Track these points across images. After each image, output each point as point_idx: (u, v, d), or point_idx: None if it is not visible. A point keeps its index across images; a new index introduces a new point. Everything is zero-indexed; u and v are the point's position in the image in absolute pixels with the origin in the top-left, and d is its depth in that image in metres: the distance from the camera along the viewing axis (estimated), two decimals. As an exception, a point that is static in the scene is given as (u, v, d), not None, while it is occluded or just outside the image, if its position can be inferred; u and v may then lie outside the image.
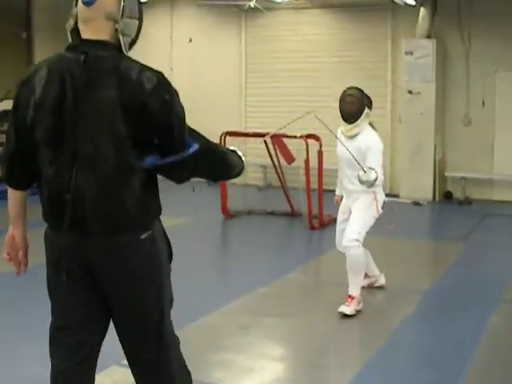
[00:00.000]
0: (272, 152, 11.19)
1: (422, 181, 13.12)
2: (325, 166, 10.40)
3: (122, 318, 3.25)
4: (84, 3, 3.08)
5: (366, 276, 6.92)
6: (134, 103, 2.99)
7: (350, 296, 6.40)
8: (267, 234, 10.35)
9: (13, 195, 3.34)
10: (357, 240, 6.33)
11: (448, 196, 13.53)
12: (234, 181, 4.21)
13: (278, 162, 11.25)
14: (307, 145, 10.21)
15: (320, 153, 10.20)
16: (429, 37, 13.03)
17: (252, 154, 11.91)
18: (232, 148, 3.52)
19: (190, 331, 5.72)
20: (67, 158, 3.03)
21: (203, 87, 15.12)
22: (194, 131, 3.23)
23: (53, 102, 3.03)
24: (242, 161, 3.46)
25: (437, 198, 13.26)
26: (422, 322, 6.42)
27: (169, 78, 3.15)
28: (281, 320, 6.30)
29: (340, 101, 6.50)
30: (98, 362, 3.37)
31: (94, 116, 3.01)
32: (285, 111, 13.74)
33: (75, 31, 3.16)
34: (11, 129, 3.20)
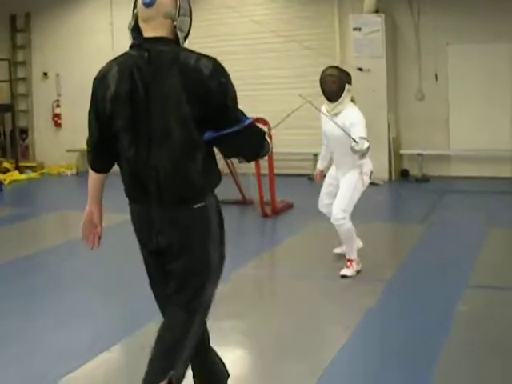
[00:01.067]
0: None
1: (376, 160, 12.48)
2: (276, 149, 9.90)
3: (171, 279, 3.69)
4: (144, 4, 3.57)
5: (342, 244, 7.31)
6: (195, 87, 3.47)
7: (349, 260, 6.95)
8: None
9: (94, 177, 3.88)
10: (344, 211, 6.78)
11: (405, 174, 13.20)
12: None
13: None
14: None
15: (270, 137, 9.67)
16: (377, 11, 12.62)
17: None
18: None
19: (142, 336, 5.38)
20: (144, 139, 3.54)
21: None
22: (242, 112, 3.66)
23: (126, 95, 3.53)
24: (269, 143, 3.85)
25: (393, 177, 12.91)
26: (385, 315, 5.97)
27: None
28: (236, 322, 5.80)
29: (320, 82, 6.79)
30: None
31: (162, 102, 3.51)
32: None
33: (135, 29, 3.66)
34: (92, 120, 3.70)
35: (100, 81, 3.63)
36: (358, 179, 6.81)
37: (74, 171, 15.42)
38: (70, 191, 13.89)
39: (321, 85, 6.77)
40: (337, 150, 6.90)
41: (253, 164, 9.89)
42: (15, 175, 15.15)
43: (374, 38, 12.55)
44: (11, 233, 9.91)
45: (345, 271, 6.89)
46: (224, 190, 10.15)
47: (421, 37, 12.85)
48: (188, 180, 3.57)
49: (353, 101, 6.88)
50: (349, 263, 6.94)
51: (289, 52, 13.52)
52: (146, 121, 3.53)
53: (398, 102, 13.25)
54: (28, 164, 16.03)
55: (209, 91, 3.47)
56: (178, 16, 3.58)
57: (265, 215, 9.90)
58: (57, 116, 16.05)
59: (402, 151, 13.21)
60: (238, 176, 10.72)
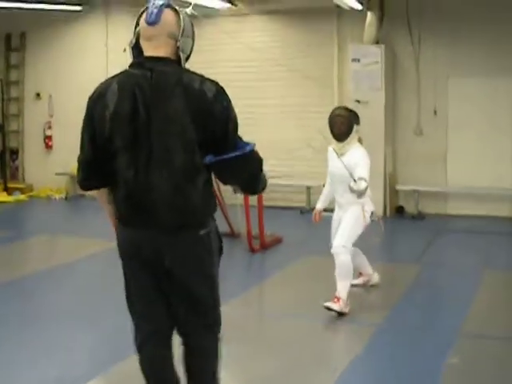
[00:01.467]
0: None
1: (372, 195, 12.35)
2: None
3: (179, 301, 3.77)
4: (148, 23, 3.58)
5: (360, 275, 7.52)
6: (199, 110, 3.47)
7: (336, 297, 6.62)
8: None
9: (99, 195, 3.82)
10: (344, 246, 6.66)
11: (400, 211, 12.82)
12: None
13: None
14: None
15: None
16: (377, 42, 12.33)
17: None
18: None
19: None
20: (144, 161, 3.50)
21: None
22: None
23: (127, 115, 3.48)
24: (265, 174, 3.86)
25: (388, 214, 12.52)
26: (372, 364, 5.61)
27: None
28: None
29: (329, 122, 6.85)
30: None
31: (165, 124, 3.48)
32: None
33: (136, 48, 3.66)
34: (86, 139, 3.63)
35: (96, 100, 3.57)
36: (360, 214, 6.80)
37: (63, 195, 15.05)
38: (57, 215, 13.60)
39: (330, 125, 6.84)
40: (340, 189, 6.88)
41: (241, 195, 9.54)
42: (3, 196, 14.86)
43: (373, 69, 12.22)
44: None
45: (330, 304, 6.58)
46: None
47: (421, 69, 12.52)
48: (189, 204, 3.56)
49: (360, 141, 6.95)
50: (336, 300, 6.61)
51: (287, 81, 13.21)
52: (147, 142, 3.50)
53: (395, 135, 12.90)
54: (17, 186, 15.66)
55: (212, 115, 3.49)
56: (181, 37, 3.60)
57: (252, 250, 9.53)
58: (48, 138, 15.68)
59: (398, 187, 12.84)
60: (225, 206, 10.34)
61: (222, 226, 10.21)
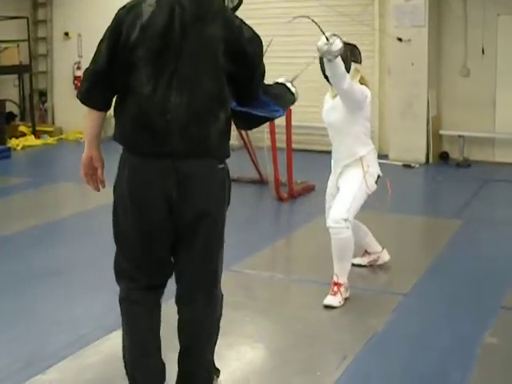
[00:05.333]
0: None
1: (413, 140, 11.63)
2: (296, 122, 9.00)
3: (192, 243, 3.47)
4: None
5: (366, 253, 6.27)
6: (235, 43, 3.39)
7: (336, 283, 5.51)
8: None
9: (91, 116, 3.49)
10: (345, 220, 5.44)
11: (444, 157, 11.99)
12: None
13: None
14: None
15: (288, 111, 8.62)
16: (421, -24, 11.38)
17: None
18: (281, 82, 4.08)
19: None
20: (166, 78, 3.29)
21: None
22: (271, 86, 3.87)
23: (160, 28, 3.30)
24: (293, 93, 3.98)
25: (431, 160, 11.73)
26: (393, 344, 4.83)
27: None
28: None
29: (320, 60, 5.41)
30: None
31: (199, 46, 3.33)
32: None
33: None
34: (104, 48, 3.38)
35: (129, 9, 3.38)
36: (362, 179, 5.57)
37: (92, 138, 14.51)
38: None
39: (321, 64, 5.45)
40: (336, 141, 5.73)
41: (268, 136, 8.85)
42: (30, 140, 14.35)
43: (416, 4, 11.32)
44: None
45: (330, 300, 5.45)
46: (239, 167, 9.00)
47: (468, 5, 11.57)
48: (204, 137, 3.37)
49: (363, 83, 5.64)
50: (336, 288, 5.49)
51: (321, 18, 12.29)
52: (174, 59, 3.32)
53: (440, 77, 12.00)
54: (46, 129, 15.19)
55: (244, 54, 3.43)
56: None
57: (280, 199, 8.85)
58: (78, 79, 15.07)
59: (441, 132, 11.99)
60: (254, 151, 9.65)
61: (251, 172, 9.65)
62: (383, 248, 6.25)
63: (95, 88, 3.42)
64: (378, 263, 6.27)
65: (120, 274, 3.61)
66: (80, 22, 14.95)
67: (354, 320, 5.26)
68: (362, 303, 5.52)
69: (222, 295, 3.70)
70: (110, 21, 3.43)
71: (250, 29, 3.51)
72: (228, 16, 3.47)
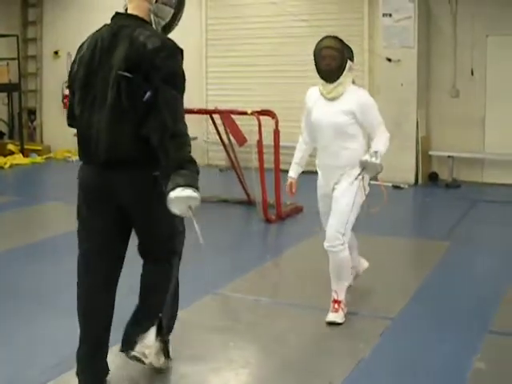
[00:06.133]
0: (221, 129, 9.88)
1: (402, 161, 11.55)
2: (284, 142, 8.98)
3: (141, 230, 4.18)
4: None
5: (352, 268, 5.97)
6: (134, 56, 3.82)
7: (336, 301, 5.48)
8: (213, 228, 8.00)
9: None
10: (344, 235, 5.33)
11: (433, 178, 11.98)
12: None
13: (229, 140, 9.68)
14: (260, 124, 8.57)
15: (276, 132, 8.61)
16: (410, -4, 11.40)
17: (214, 131, 10.58)
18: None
19: None
20: (89, 100, 3.96)
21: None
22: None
23: (87, 59, 4.00)
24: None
25: (420, 181, 11.71)
26: (380, 371, 4.72)
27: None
28: (200, 367, 4.67)
29: (315, 55, 5.35)
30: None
31: (108, 69, 3.90)
32: (248, 83, 13.01)
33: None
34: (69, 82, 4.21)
35: (79, 48, 4.12)
36: (358, 188, 5.34)
37: (80, 157, 14.44)
38: (69, 180, 12.91)
39: (316, 59, 5.34)
40: (333, 146, 5.40)
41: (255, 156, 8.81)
42: (18, 158, 14.31)
43: (405, 25, 11.35)
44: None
45: (333, 317, 5.39)
46: (226, 188, 8.92)
47: (458, 26, 11.60)
48: (118, 143, 3.89)
49: (354, 83, 5.49)
50: (337, 305, 5.44)
51: (311, 38, 12.32)
52: (93, 84, 3.96)
53: (429, 97, 12.02)
54: (34, 147, 15.13)
55: (145, 60, 3.81)
56: (156, 2, 4.03)
57: (268, 220, 8.79)
58: (67, 97, 15.04)
59: (431, 152, 12.00)
60: (242, 172, 9.59)
61: (238, 193, 9.59)
62: (360, 257, 6.12)
63: (70, 115, 4.21)
64: (360, 274, 6.16)
65: None
66: (70, 40, 14.74)
67: (341, 345, 5.17)
68: (348, 327, 5.42)
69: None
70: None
71: (161, 38, 3.93)
72: (135, 36, 3.89)
